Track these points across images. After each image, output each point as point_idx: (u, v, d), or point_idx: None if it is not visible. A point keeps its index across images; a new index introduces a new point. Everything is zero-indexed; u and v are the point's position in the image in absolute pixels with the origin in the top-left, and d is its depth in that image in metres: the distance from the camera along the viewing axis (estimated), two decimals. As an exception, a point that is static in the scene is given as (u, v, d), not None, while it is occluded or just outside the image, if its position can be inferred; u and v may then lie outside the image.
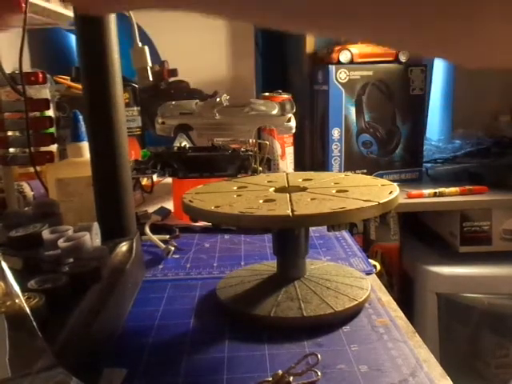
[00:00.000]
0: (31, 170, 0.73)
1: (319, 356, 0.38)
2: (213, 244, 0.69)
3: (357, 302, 0.46)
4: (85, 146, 0.67)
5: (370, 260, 0.60)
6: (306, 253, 0.50)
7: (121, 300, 0.47)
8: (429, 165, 1.43)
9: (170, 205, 0.82)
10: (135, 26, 0.89)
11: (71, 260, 0.43)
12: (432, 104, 1.63)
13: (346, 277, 0.51)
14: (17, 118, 0.71)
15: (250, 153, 0.75)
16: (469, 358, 1.23)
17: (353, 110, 1.22)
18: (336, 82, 1.19)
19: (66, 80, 1.03)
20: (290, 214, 0.41)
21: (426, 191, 1.19)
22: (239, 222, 0.44)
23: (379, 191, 0.48)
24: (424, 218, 1.40)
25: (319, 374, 0.36)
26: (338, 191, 0.49)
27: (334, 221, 0.44)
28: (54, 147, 0.73)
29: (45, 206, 0.53)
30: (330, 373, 0.37)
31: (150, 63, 0.92)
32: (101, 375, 0.37)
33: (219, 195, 0.51)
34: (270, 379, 0.36)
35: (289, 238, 0.49)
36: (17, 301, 0.32)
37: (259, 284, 0.50)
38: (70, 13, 0.87)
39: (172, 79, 1.16)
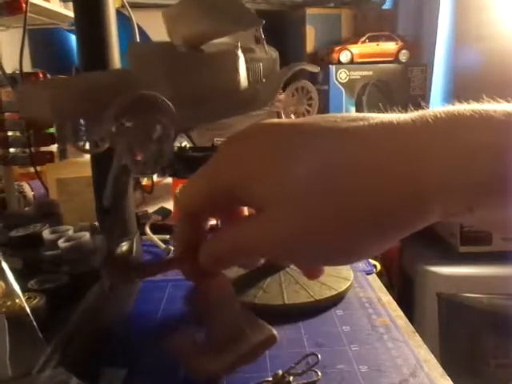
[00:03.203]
0: (31, 170, 0.73)
1: (319, 356, 0.38)
2: (213, 244, 0.69)
3: (336, 292, 0.48)
4: (85, 146, 0.67)
5: (370, 260, 0.60)
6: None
7: (121, 300, 0.47)
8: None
9: (170, 205, 0.82)
10: (135, 26, 0.89)
11: (71, 260, 0.43)
12: (432, 104, 1.63)
13: (331, 268, 0.52)
14: (17, 118, 0.71)
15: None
16: (469, 357, 1.23)
17: (353, 110, 1.22)
18: (336, 82, 1.20)
19: (66, 80, 1.03)
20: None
21: (426, 191, 1.18)
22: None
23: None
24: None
25: (319, 374, 0.37)
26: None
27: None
28: (54, 147, 0.73)
29: (45, 206, 0.53)
30: (330, 373, 0.37)
31: (150, 63, 0.91)
32: (101, 375, 0.37)
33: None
34: (270, 379, 0.36)
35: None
36: (17, 301, 0.32)
37: (247, 274, 0.51)
38: (70, 13, 0.88)
39: (172, 79, 1.16)
